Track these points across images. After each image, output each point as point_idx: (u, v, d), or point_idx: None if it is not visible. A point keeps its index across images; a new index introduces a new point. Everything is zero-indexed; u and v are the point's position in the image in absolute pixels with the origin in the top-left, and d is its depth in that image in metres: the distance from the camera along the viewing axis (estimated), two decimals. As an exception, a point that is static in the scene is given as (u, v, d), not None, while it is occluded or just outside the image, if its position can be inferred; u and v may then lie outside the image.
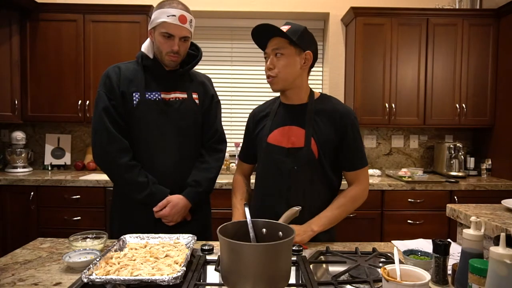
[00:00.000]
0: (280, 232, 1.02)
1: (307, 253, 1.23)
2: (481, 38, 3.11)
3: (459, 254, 1.00)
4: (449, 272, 1.05)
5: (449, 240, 1.05)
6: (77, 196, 2.81)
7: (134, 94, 1.51)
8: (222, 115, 1.77)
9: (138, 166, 1.49)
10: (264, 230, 1.05)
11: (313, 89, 1.49)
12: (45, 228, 2.82)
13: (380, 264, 1.12)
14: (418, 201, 2.84)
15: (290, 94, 1.45)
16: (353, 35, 3.16)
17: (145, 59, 1.55)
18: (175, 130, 1.54)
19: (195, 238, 1.22)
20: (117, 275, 0.94)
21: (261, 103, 1.64)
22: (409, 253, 1.07)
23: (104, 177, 2.85)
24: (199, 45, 1.67)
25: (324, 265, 1.17)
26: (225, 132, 1.75)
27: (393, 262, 1.02)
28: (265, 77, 1.43)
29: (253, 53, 3.56)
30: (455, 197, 2.85)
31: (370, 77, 3.11)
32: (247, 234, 1.03)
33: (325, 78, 3.57)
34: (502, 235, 0.81)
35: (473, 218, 0.99)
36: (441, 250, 1.01)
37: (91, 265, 0.96)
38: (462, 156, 3.17)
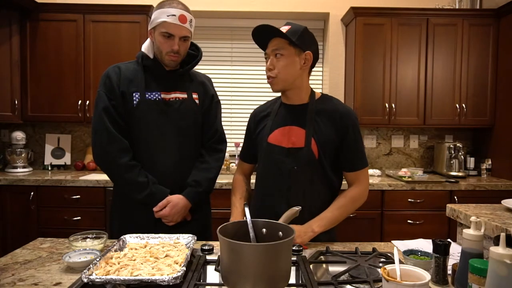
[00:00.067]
0: (280, 232, 1.02)
1: (307, 253, 1.23)
2: (481, 38, 3.11)
3: (459, 254, 1.00)
4: (449, 272, 1.05)
5: (449, 240, 1.05)
6: (77, 196, 2.81)
7: (134, 94, 1.51)
8: (222, 115, 1.77)
9: (138, 166, 1.49)
10: (264, 230, 1.05)
11: (313, 89, 1.49)
12: (45, 228, 2.82)
13: (380, 264, 1.12)
14: (418, 201, 2.84)
15: (290, 95, 1.45)
16: (353, 35, 3.17)
17: (145, 59, 1.55)
18: (175, 130, 1.54)
19: (195, 238, 1.22)
20: (117, 275, 0.94)
21: (261, 103, 1.64)
22: (409, 253, 1.07)
23: (104, 177, 2.85)
24: (199, 45, 1.67)
25: (324, 265, 1.17)
26: (225, 132, 1.75)
27: (393, 262, 1.02)
28: (265, 77, 1.43)
29: (253, 53, 3.56)
30: (455, 197, 2.85)
31: (370, 77, 3.11)
32: (247, 234, 1.03)
33: (325, 78, 3.57)
34: (502, 235, 0.81)
35: (473, 218, 0.99)
36: (441, 250, 1.01)
37: (91, 265, 0.96)
38: (462, 156, 3.18)
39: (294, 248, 1.18)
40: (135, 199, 1.49)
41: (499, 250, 0.79)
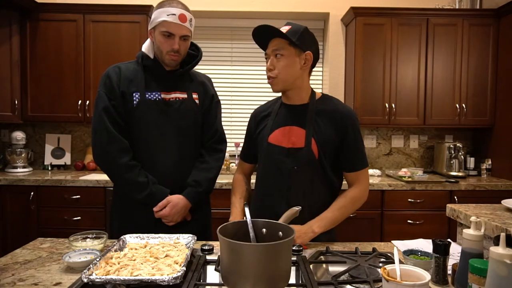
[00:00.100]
0: (280, 232, 1.02)
1: (307, 253, 1.23)
2: (481, 38, 3.11)
3: (459, 254, 1.00)
4: (449, 272, 1.05)
5: (449, 240, 1.05)
6: (77, 196, 2.81)
7: (134, 94, 1.51)
8: (222, 115, 1.77)
9: (138, 166, 1.49)
10: (264, 230, 1.05)
11: (314, 90, 1.49)
12: (45, 228, 2.82)
13: (380, 264, 1.12)
14: (418, 201, 2.84)
15: (291, 95, 1.45)
16: (353, 35, 3.17)
17: (145, 59, 1.55)
18: (175, 130, 1.54)
19: (195, 238, 1.22)
20: (117, 275, 0.94)
21: (261, 103, 1.64)
22: (409, 253, 1.07)
23: (104, 177, 2.85)
24: (199, 45, 1.67)
25: (324, 265, 1.17)
26: (225, 132, 1.75)
27: (393, 262, 1.02)
28: (265, 77, 1.43)
29: (253, 53, 3.56)
30: (455, 197, 2.85)
31: (370, 77, 3.11)
32: (247, 234, 1.03)
33: (325, 78, 3.57)
34: (502, 235, 0.81)
35: (473, 218, 0.99)
36: (441, 250, 1.01)
37: (91, 265, 0.96)
38: (462, 156, 3.18)
39: (294, 248, 1.18)
40: (135, 199, 1.49)
41: (499, 250, 0.79)
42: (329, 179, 1.43)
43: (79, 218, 2.81)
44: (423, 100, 3.13)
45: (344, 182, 1.50)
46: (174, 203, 1.50)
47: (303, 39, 1.36)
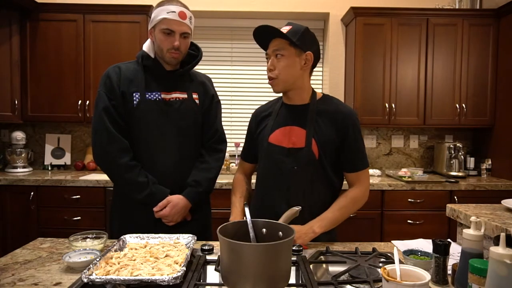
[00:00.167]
0: (280, 232, 1.02)
1: (307, 253, 1.23)
2: (481, 38, 3.11)
3: (459, 254, 1.00)
4: (449, 272, 1.05)
5: (449, 240, 1.05)
6: (77, 196, 2.81)
7: (134, 94, 1.51)
8: (222, 115, 1.77)
9: (138, 166, 1.49)
10: (264, 230, 1.05)
11: (314, 90, 1.49)
12: (45, 228, 2.82)
13: (380, 264, 1.12)
14: (418, 201, 2.84)
15: (291, 95, 1.45)
16: (353, 35, 3.17)
17: (146, 59, 1.55)
18: (175, 130, 1.54)
19: (195, 238, 1.22)
20: (117, 275, 0.94)
21: (261, 103, 1.64)
22: (409, 253, 1.07)
23: (104, 177, 2.85)
24: (199, 45, 1.67)
25: (324, 265, 1.17)
26: (225, 132, 1.75)
27: (393, 262, 1.02)
28: (265, 77, 1.43)
29: (253, 53, 3.56)
30: (455, 197, 2.85)
31: (370, 77, 3.11)
32: (247, 234, 1.03)
33: (325, 78, 3.57)
34: (502, 235, 0.81)
35: (473, 218, 0.99)
36: (441, 250, 1.01)
37: (91, 265, 0.96)
38: (462, 156, 3.18)
39: (294, 248, 1.18)
40: (135, 199, 1.49)
41: (499, 250, 0.79)
42: (330, 179, 1.43)
43: (79, 218, 2.81)
44: (423, 100, 3.13)
45: (345, 182, 1.50)
46: (174, 203, 1.50)
47: (304, 39, 1.36)
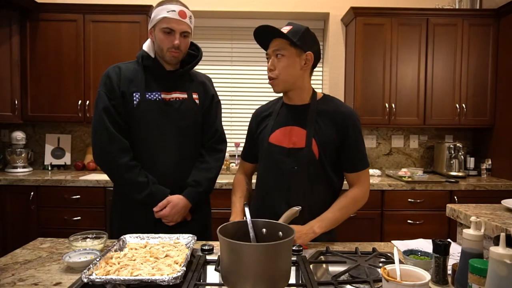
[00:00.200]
0: (280, 232, 1.02)
1: (307, 253, 1.23)
2: (481, 38, 3.11)
3: (459, 254, 1.00)
4: (449, 272, 1.05)
5: (449, 240, 1.05)
6: (77, 196, 2.81)
7: (134, 94, 1.51)
8: (222, 115, 1.77)
9: (138, 166, 1.49)
10: (264, 230, 1.05)
11: (315, 90, 1.48)
12: (45, 228, 2.82)
13: (380, 264, 1.12)
14: (418, 201, 2.84)
15: (292, 95, 1.45)
16: (353, 35, 3.17)
17: (146, 59, 1.55)
18: (175, 130, 1.54)
19: (195, 238, 1.22)
20: (117, 275, 0.94)
21: (261, 103, 1.64)
22: (409, 253, 1.07)
23: (104, 177, 2.85)
24: (199, 45, 1.67)
25: (324, 265, 1.17)
26: (225, 132, 1.75)
27: (393, 262, 1.02)
28: (265, 77, 1.43)
29: (253, 53, 3.56)
30: (455, 197, 2.85)
31: (370, 77, 3.11)
32: (247, 234, 1.03)
33: (325, 78, 3.57)
34: (502, 235, 0.81)
35: (473, 218, 0.99)
36: (441, 250, 1.01)
37: (91, 265, 0.96)
38: (462, 156, 3.18)
39: (294, 248, 1.18)
40: (135, 199, 1.49)
41: (499, 250, 0.79)
42: (330, 179, 1.43)
43: (79, 218, 2.81)
44: (423, 100, 3.13)
45: (345, 182, 1.49)
46: (174, 203, 1.50)
47: (304, 40, 1.36)
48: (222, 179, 2.80)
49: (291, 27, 1.36)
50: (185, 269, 0.95)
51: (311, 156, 1.37)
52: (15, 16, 2.99)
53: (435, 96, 3.13)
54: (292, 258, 1.08)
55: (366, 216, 2.81)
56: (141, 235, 1.24)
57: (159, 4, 1.50)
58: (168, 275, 0.93)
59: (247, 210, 1.12)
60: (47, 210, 2.82)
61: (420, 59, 3.11)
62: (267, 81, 1.42)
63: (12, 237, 2.83)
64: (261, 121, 1.54)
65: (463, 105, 3.13)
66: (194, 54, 1.63)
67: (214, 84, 1.76)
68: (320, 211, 1.39)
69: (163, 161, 1.53)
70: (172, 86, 1.56)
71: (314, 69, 1.47)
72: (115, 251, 1.11)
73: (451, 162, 3.18)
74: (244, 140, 1.67)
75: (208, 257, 1.17)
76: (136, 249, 1.14)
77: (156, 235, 1.24)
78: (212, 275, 1.10)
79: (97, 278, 0.89)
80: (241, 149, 1.66)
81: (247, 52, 3.57)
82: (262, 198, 1.48)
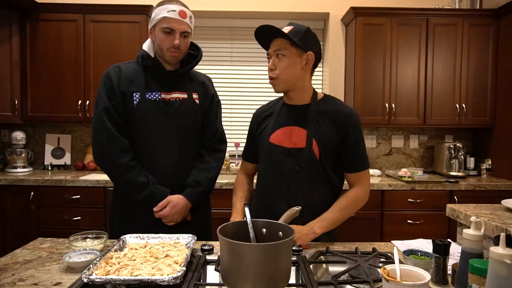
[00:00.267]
0: (280, 232, 1.02)
1: (307, 253, 1.23)
2: (481, 38, 3.11)
3: (459, 254, 1.00)
4: (449, 272, 1.05)
5: (449, 240, 1.05)
6: (77, 196, 2.81)
7: (134, 94, 1.51)
8: (222, 115, 1.77)
9: (138, 166, 1.49)
10: (264, 230, 1.05)
11: (315, 90, 1.48)
12: (45, 228, 2.82)
13: (380, 264, 1.12)
14: (418, 201, 2.84)
15: (292, 95, 1.45)
16: (353, 35, 3.17)
17: (146, 59, 1.55)
18: (175, 130, 1.54)
19: (195, 238, 1.22)
20: (117, 275, 0.94)
21: (261, 103, 1.64)
22: (409, 253, 1.07)
23: (104, 177, 2.85)
24: (199, 45, 1.67)
25: (324, 265, 1.17)
26: (225, 132, 1.75)
27: (393, 262, 1.02)
28: (265, 77, 1.43)
29: (253, 53, 3.56)
30: (455, 197, 2.85)
31: (370, 77, 3.11)
32: (247, 234, 1.03)
33: (325, 78, 3.57)
34: (502, 235, 0.81)
35: (473, 218, 0.99)
36: (441, 250, 1.01)
37: (91, 265, 0.96)
38: (462, 156, 3.17)
39: (294, 248, 1.18)
40: (135, 199, 1.49)
41: (499, 250, 0.79)
42: (330, 179, 1.43)
43: (79, 218, 2.81)
44: (423, 100, 3.13)
45: (345, 182, 1.49)
46: (174, 203, 1.50)
47: (305, 40, 1.36)
48: (222, 179, 2.79)
49: (292, 27, 1.36)
50: (185, 269, 0.95)
51: (312, 156, 1.37)
52: (15, 16, 2.99)
53: (435, 96, 3.13)
54: (292, 258, 1.09)
55: (366, 216, 2.81)
56: (141, 235, 1.24)
57: (160, 4, 1.50)
58: (168, 275, 0.93)
59: (247, 210, 1.12)
60: (47, 210, 2.82)
61: (420, 59, 3.11)
62: (267, 81, 1.42)
63: (12, 237, 2.83)
64: (262, 121, 1.54)
65: (463, 105, 3.13)
66: (194, 54, 1.63)
67: (214, 84, 1.76)
68: (320, 211, 1.39)
69: (163, 161, 1.53)
70: (172, 86, 1.56)
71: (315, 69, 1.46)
72: (115, 251, 1.11)
73: (451, 162, 3.18)
74: (244, 140, 1.67)
75: (208, 257, 1.17)
76: (136, 249, 1.14)
77: (156, 235, 1.24)
78: (212, 275, 1.10)
79: (97, 278, 0.89)
80: (241, 149, 1.66)
81: (247, 52, 3.57)
82: (263, 198, 1.48)
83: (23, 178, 2.82)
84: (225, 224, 0.99)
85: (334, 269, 1.12)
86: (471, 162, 3.30)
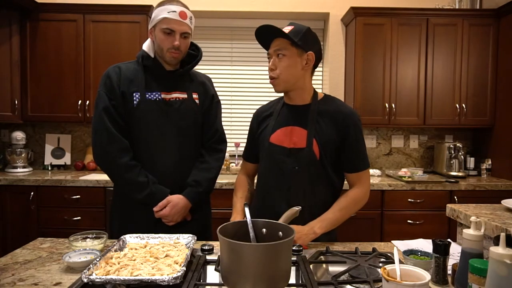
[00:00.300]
0: (280, 232, 1.02)
1: (307, 253, 1.23)
2: (481, 38, 3.11)
3: (459, 254, 1.00)
4: (449, 272, 1.05)
5: (449, 240, 1.05)
6: (77, 196, 2.81)
7: (134, 94, 1.51)
8: (222, 115, 1.77)
9: (138, 166, 1.49)
10: (264, 230, 1.05)
11: (316, 90, 1.48)
12: (45, 228, 2.82)
13: (380, 264, 1.12)
14: (418, 201, 2.84)
15: (293, 95, 1.45)
16: (353, 35, 3.17)
17: (146, 59, 1.55)
18: (175, 130, 1.54)
19: (195, 238, 1.22)
20: (117, 275, 0.94)
21: (261, 103, 1.64)
22: (409, 253, 1.07)
23: (104, 177, 2.85)
24: (199, 45, 1.67)
25: (324, 265, 1.17)
26: (225, 132, 1.75)
27: (393, 262, 1.02)
28: (265, 77, 1.44)
29: (253, 53, 3.56)
30: (455, 197, 2.85)
31: (370, 77, 3.11)
32: (247, 234, 1.03)
33: (325, 78, 3.57)
34: (502, 235, 0.81)
35: (473, 218, 0.99)
36: (441, 250, 1.01)
37: (91, 265, 0.96)
38: (462, 156, 3.17)
39: (294, 248, 1.18)
40: (135, 199, 1.49)
41: (499, 250, 0.79)
42: (330, 179, 1.43)
43: (79, 218, 2.81)
44: (423, 100, 3.13)
45: (345, 182, 1.49)
46: (174, 203, 1.50)
47: (306, 40, 1.36)
48: (222, 179, 2.79)
49: (293, 27, 1.36)
50: (185, 269, 0.95)
51: (312, 156, 1.37)
52: (15, 16, 2.99)
53: (435, 96, 3.13)
54: (292, 258, 1.09)
55: (366, 216, 2.81)
56: (141, 235, 1.24)
57: (160, 4, 1.49)
58: (168, 275, 0.93)
59: (247, 210, 1.12)
60: (47, 210, 2.82)
61: (420, 59, 3.11)
62: (268, 81, 1.42)
63: (12, 237, 2.83)
64: (262, 121, 1.54)
65: (463, 105, 3.13)
66: (194, 54, 1.63)
67: (214, 84, 1.76)
68: (321, 211, 1.39)
69: (163, 161, 1.53)
70: (172, 86, 1.56)
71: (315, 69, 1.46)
72: (115, 251, 1.11)
73: (451, 162, 3.18)
74: (244, 140, 1.67)
75: (208, 257, 1.17)
76: (136, 249, 1.14)
77: (156, 235, 1.24)
78: (212, 275, 1.10)
79: (97, 278, 0.89)
80: (241, 149, 1.66)
81: (247, 52, 3.57)
82: (263, 198, 1.48)
83: (23, 178, 2.82)
84: (225, 224, 0.99)
85: (334, 269, 1.12)
86: (471, 162, 3.30)
